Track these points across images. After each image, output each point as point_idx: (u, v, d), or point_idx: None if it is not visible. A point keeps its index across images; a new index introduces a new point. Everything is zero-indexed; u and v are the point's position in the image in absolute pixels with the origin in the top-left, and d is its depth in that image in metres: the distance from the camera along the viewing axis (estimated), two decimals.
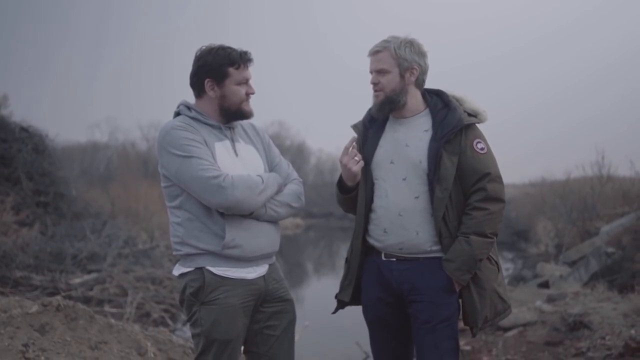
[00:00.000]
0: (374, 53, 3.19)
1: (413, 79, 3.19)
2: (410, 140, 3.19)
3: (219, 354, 2.98)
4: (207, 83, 3.03)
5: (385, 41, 3.18)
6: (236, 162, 3.05)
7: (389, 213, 3.16)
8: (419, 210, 3.13)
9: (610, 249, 12.67)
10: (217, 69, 3.01)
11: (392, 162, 3.20)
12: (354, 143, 3.21)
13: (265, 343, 3.14)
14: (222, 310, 2.96)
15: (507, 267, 20.79)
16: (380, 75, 3.17)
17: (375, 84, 3.20)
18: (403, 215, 3.13)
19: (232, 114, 3.09)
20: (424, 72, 3.23)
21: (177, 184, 2.97)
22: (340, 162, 3.20)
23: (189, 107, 3.10)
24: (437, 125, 3.16)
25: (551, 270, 15.26)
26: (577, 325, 7.66)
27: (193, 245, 2.97)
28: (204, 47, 3.07)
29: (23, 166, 15.42)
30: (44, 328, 4.40)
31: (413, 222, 3.12)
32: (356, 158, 3.15)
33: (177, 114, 3.13)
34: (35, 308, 4.56)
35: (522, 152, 63.31)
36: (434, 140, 3.13)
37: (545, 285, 13.57)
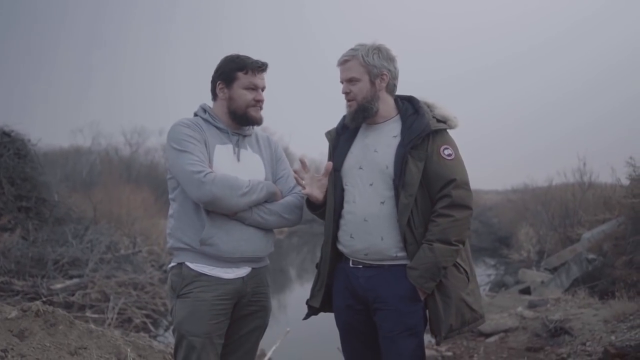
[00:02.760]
0: (343, 62, 3.22)
1: (384, 85, 3.21)
2: (378, 145, 3.20)
3: (189, 348, 3.04)
4: (219, 85, 3.26)
5: (352, 50, 3.20)
6: (237, 166, 3.17)
7: (355, 218, 3.18)
8: (384, 215, 3.13)
9: (591, 256, 12.73)
10: (227, 72, 3.22)
11: (360, 168, 3.21)
12: (302, 168, 3.25)
13: (228, 338, 3.21)
14: (194, 303, 3.05)
15: (489, 273, 20.90)
16: (351, 84, 3.19)
17: (347, 93, 3.22)
18: (368, 220, 3.14)
19: (239, 118, 3.24)
20: (394, 77, 3.25)
21: (173, 176, 3.13)
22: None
23: (204, 110, 3.30)
24: (405, 130, 3.17)
25: (532, 276, 15.34)
26: (558, 331, 7.71)
27: (178, 237, 3.13)
28: (225, 56, 3.29)
29: (5, 171, 15.27)
30: (23, 333, 4.38)
31: (378, 228, 3.13)
32: (304, 182, 3.23)
33: (195, 114, 3.31)
34: (14, 313, 4.53)
35: (512, 160, 63.65)
36: (401, 145, 3.13)
37: (526, 291, 13.64)
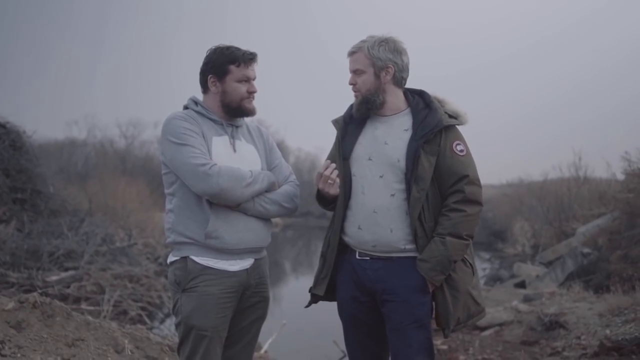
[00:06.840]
0: (351, 54, 3.23)
1: (389, 77, 3.20)
2: (389, 138, 3.19)
3: (197, 342, 3.03)
4: (210, 79, 3.19)
5: (361, 41, 3.21)
6: (233, 157, 3.14)
7: (364, 209, 3.16)
8: (394, 207, 3.12)
9: (586, 250, 12.79)
10: (218, 66, 3.16)
11: (370, 159, 3.20)
12: (331, 166, 3.18)
13: (230, 329, 3.19)
14: (201, 297, 3.03)
15: (484, 267, 20.96)
16: (357, 75, 3.20)
17: (353, 84, 3.23)
18: (378, 212, 3.13)
19: (233, 110, 3.21)
20: (400, 69, 3.23)
21: (172, 170, 3.08)
22: (317, 186, 3.20)
23: (196, 102, 3.25)
24: (417, 125, 3.16)
25: (528, 270, 15.40)
26: (553, 325, 7.74)
27: (180, 232, 3.08)
28: (213, 47, 3.23)
29: (0, 163, 15.26)
30: (20, 325, 4.38)
31: (387, 220, 3.12)
32: (329, 182, 3.15)
33: (185, 107, 3.27)
34: (11, 305, 4.53)
35: (508, 155, 63.78)
36: (413, 139, 3.13)
37: (521, 285, 13.68)
